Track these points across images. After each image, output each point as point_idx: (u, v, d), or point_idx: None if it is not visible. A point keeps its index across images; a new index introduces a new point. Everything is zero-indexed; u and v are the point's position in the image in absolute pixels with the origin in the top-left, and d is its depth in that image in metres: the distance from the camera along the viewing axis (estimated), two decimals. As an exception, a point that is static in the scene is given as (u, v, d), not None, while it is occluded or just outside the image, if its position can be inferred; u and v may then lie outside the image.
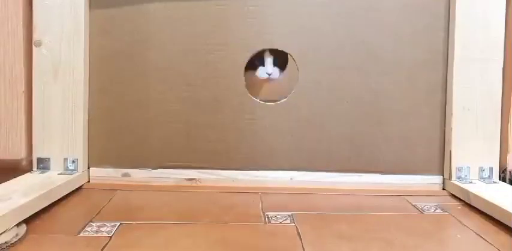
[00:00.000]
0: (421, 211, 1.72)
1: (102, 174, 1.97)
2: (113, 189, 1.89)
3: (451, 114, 1.94)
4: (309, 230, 1.49)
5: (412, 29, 1.97)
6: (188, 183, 1.97)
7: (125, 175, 1.97)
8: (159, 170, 1.98)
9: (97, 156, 1.98)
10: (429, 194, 1.92)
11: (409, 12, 1.96)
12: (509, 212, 1.52)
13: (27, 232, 1.41)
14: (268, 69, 1.92)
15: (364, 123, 1.98)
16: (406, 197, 1.88)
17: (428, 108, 1.99)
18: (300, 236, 1.42)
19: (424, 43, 1.97)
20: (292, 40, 1.94)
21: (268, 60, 1.93)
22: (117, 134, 1.97)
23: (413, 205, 1.78)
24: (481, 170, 1.93)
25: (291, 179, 1.97)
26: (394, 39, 1.97)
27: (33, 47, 1.88)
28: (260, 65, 1.94)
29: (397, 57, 1.97)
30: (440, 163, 1.99)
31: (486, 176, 1.93)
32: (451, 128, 1.94)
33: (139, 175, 1.98)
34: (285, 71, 2.03)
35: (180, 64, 1.95)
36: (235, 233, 1.45)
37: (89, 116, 1.95)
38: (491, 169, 1.93)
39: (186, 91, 1.96)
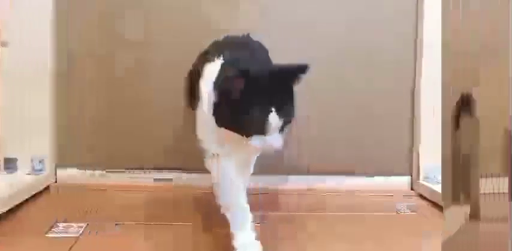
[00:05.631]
0: (391, 211, 1.74)
1: (69, 174, 1.95)
2: (80, 189, 1.87)
3: (419, 116, 1.96)
4: (281, 230, 1.50)
5: (384, 36, 2.00)
6: (161, 183, 1.96)
7: (93, 175, 1.95)
8: (129, 170, 1.96)
9: (65, 156, 1.95)
10: (398, 194, 1.94)
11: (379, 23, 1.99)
12: (475, 213, 1.55)
13: (-7, 233, 1.40)
14: (272, 142, 1.14)
15: (339, 127, 1.99)
16: (375, 197, 1.90)
17: (399, 111, 2.01)
18: (269, 236, 1.41)
19: (395, 49, 2.00)
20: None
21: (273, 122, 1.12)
22: (86, 134, 1.95)
23: (383, 205, 1.80)
24: (449, 170, 1.95)
25: (268, 180, 1.96)
26: (370, 46, 1.99)
27: (0, 47, 1.85)
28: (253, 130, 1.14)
29: (372, 63, 1.99)
30: (409, 164, 2.01)
31: (454, 176, 1.95)
32: (419, 130, 1.96)
33: (108, 175, 1.96)
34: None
35: (157, 66, 1.94)
36: (207, 235, 1.44)
37: (58, 116, 1.93)
38: (458, 170, 1.96)
39: (165, 92, 1.93)
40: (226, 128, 1.15)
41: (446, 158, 1.58)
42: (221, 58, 1.23)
